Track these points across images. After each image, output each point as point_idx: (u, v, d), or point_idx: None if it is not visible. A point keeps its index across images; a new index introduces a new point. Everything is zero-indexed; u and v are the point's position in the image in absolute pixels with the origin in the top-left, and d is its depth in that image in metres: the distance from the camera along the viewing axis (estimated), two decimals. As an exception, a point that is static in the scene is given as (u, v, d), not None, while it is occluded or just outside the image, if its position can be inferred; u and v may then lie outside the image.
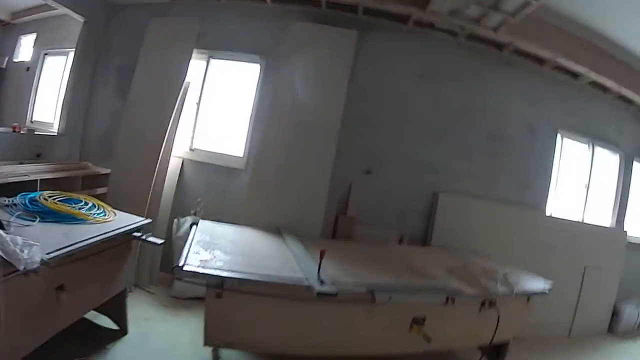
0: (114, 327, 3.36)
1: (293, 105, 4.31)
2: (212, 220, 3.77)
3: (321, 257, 2.60)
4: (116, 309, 3.28)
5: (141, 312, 3.79)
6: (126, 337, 3.31)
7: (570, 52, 5.02)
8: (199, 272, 2.41)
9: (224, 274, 2.45)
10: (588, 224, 5.95)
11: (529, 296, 3.46)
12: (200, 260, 2.55)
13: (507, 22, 4.43)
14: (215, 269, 2.49)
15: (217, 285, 2.45)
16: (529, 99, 5.38)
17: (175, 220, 4.44)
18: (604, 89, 5.80)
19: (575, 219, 5.87)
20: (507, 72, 5.23)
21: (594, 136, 5.99)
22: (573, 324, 5.60)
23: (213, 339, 2.55)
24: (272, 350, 2.85)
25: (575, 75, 5.46)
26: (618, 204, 6.42)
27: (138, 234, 3.03)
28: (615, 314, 6.17)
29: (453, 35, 4.87)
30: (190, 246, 2.77)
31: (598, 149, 6.13)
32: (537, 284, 3.54)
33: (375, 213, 4.71)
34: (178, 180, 4.87)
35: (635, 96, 5.87)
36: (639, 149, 6.65)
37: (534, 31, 4.76)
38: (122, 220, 2.97)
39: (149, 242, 3.04)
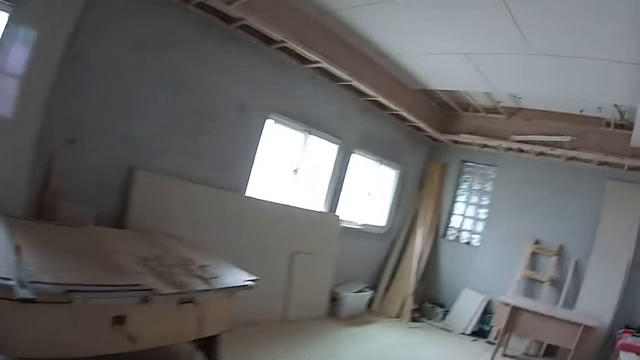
0: None
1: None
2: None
3: (18, 254, 2.66)
4: None
5: None
6: None
7: (304, 37, 5.86)
8: None
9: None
10: (298, 208, 7.03)
11: (230, 291, 4.03)
12: None
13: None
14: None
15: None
16: (247, 78, 6.04)
17: None
18: (332, 77, 6.96)
19: (284, 203, 6.81)
20: (232, 47, 5.77)
21: (312, 123, 7.13)
22: (288, 309, 6.64)
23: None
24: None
25: (303, 60, 6.38)
26: (332, 190, 7.78)
27: None
28: (334, 299, 7.47)
29: (185, 1, 5.14)
30: None
31: (315, 137, 7.29)
32: (238, 278, 4.13)
33: (79, 188, 4.70)
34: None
35: (364, 89, 7.17)
36: (360, 139, 8.07)
37: (269, 10, 5.42)
38: None
39: None
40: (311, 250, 7.04)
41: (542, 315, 6.37)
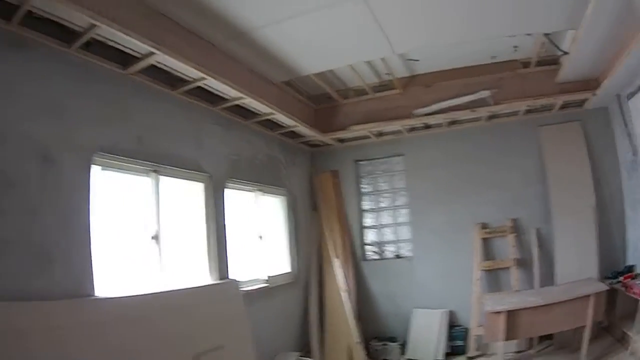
0: None
1: None
2: None
3: None
4: None
5: None
6: None
7: (122, 19, 3.90)
8: None
9: None
10: (179, 290, 5.05)
11: None
12: None
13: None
14: None
15: None
16: (47, 106, 3.92)
17: None
18: (172, 81, 5.16)
19: (158, 290, 4.81)
20: (17, 59, 3.70)
21: (159, 158, 5.09)
22: None
23: None
24: None
25: (126, 60, 4.51)
26: (215, 248, 5.81)
27: None
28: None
29: None
30: None
31: (169, 177, 5.24)
32: None
33: None
34: None
35: (222, 87, 5.43)
36: (230, 167, 6.32)
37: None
38: None
39: None
40: (219, 341, 5.05)
41: (544, 306, 5.81)
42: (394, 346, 7.64)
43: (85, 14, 3.58)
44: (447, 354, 7.26)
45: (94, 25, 3.75)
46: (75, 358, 3.64)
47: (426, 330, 7.50)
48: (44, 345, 3.44)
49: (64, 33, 3.90)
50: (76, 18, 3.68)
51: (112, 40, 4.10)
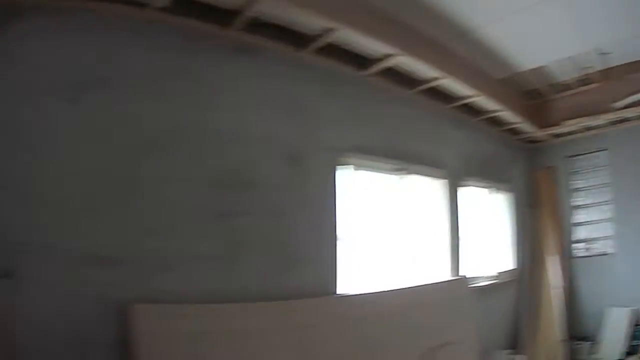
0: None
1: None
2: None
3: None
4: None
5: None
6: None
7: (358, 22, 3.88)
8: None
9: None
10: (412, 287, 5.05)
11: None
12: None
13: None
14: None
15: None
16: (285, 107, 4.00)
17: None
18: (409, 82, 5.06)
19: (393, 287, 4.80)
20: (243, 64, 3.76)
21: (407, 157, 5.20)
22: None
23: None
24: None
25: (362, 62, 4.47)
26: (451, 244, 5.80)
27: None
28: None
29: (139, 6, 3.09)
30: None
31: (415, 175, 5.40)
32: None
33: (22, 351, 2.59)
34: None
35: (458, 88, 5.37)
36: (464, 165, 6.25)
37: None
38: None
39: None
40: (449, 336, 5.02)
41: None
42: (586, 345, 7.19)
43: (320, 18, 3.60)
44: (628, 354, 6.65)
45: (330, 30, 3.75)
46: (320, 351, 3.75)
47: (615, 329, 6.92)
48: (290, 343, 3.56)
49: (290, 36, 3.88)
50: (312, 23, 3.68)
51: (345, 44, 4.11)
